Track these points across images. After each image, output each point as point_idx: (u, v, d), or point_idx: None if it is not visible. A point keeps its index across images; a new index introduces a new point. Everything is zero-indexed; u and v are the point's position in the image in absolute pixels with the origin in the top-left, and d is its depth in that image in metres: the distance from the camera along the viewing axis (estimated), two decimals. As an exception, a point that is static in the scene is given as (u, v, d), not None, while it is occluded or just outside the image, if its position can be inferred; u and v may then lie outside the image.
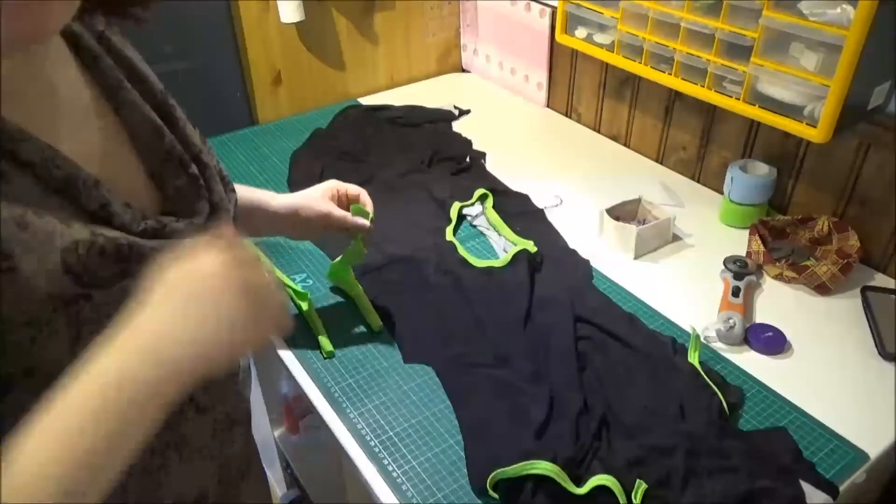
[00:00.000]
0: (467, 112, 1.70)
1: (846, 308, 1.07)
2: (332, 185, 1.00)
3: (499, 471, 0.78)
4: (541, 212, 1.30)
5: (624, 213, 1.25)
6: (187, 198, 0.65)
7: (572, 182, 1.41)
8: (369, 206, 1.02)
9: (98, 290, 0.52)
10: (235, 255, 0.54)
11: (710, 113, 1.33)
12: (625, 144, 1.55)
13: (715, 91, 1.15)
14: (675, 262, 1.18)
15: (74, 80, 0.60)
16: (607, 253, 1.20)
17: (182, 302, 0.51)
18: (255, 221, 0.93)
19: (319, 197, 0.98)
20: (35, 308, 0.49)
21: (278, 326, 0.58)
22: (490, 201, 1.30)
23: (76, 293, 0.51)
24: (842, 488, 0.81)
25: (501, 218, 1.26)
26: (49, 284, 0.49)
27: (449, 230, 1.23)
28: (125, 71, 0.64)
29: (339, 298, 1.11)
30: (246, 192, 0.91)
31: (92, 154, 0.58)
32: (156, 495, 0.64)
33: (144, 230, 0.57)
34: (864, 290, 1.09)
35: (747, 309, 1.06)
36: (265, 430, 1.65)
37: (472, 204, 1.30)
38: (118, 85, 0.63)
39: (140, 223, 0.57)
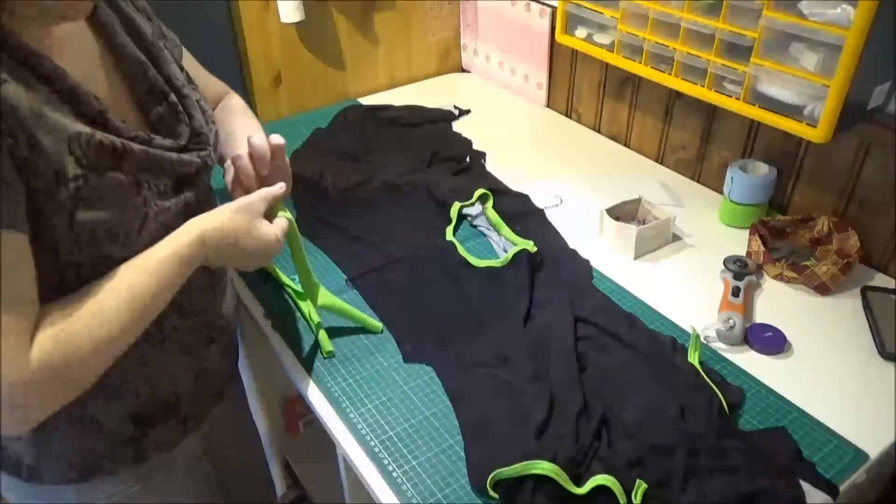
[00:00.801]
0: (467, 112, 1.70)
1: (846, 308, 1.07)
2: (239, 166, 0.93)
3: (499, 471, 0.78)
4: (541, 212, 1.30)
5: (624, 213, 1.25)
6: (168, 123, 0.80)
7: (572, 182, 1.41)
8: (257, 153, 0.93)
9: (93, 174, 0.67)
10: (279, 235, 0.84)
11: (710, 113, 1.33)
12: (625, 144, 1.55)
13: (715, 91, 1.15)
14: (675, 262, 1.19)
15: (81, 24, 0.74)
16: (607, 253, 1.20)
17: (239, 248, 0.79)
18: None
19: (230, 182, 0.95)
20: (48, 178, 0.63)
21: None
22: (490, 201, 1.30)
23: (76, 173, 0.65)
24: (842, 488, 0.81)
25: (501, 218, 1.26)
26: (57, 162, 0.64)
27: (449, 230, 1.23)
28: (121, 20, 0.79)
29: (339, 298, 1.10)
30: (224, 141, 0.98)
31: (94, 80, 0.73)
32: (128, 379, 0.80)
33: (134, 137, 0.72)
34: (864, 290, 1.09)
35: (747, 309, 1.06)
36: (265, 431, 1.65)
37: (472, 204, 1.30)
38: (112, 30, 0.77)
39: (131, 132, 0.72)
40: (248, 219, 0.81)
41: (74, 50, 0.72)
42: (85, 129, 0.67)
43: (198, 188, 0.82)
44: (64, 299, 0.67)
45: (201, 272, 0.82)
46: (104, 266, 0.70)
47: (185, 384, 0.87)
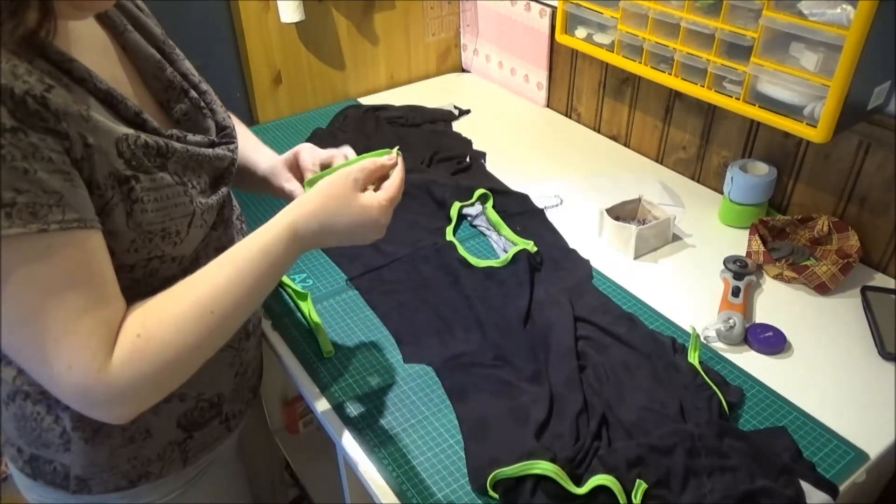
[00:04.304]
0: (467, 112, 1.70)
1: (846, 308, 1.07)
2: (296, 153, 0.94)
3: (498, 471, 0.78)
4: (541, 212, 1.30)
5: (624, 213, 1.25)
6: (193, 119, 0.79)
7: (572, 182, 1.41)
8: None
9: (143, 174, 0.66)
10: (388, 204, 0.76)
11: (710, 113, 1.33)
12: (625, 144, 1.55)
13: (715, 91, 1.15)
14: (675, 262, 1.19)
15: (91, 23, 0.72)
16: (607, 253, 1.20)
17: (341, 227, 0.74)
18: (244, 179, 0.96)
19: (283, 168, 0.93)
20: (102, 181, 0.63)
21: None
22: (490, 201, 1.30)
23: (127, 174, 0.65)
24: (842, 488, 0.81)
25: (501, 218, 1.26)
26: (108, 164, 0.63)
27: (449, 230, 1.23)
28: (127, 18, 0.77)
29: (339, 298, 1.11)
30: (242, 149, 0.93)
31: (117, 80, 0.71)
32: (183, 388, 0.76)
33: (171, 136, 0.71)
34: (864, 290, 1.09)
35: (747, 309, 1.06)
36: (265, 430, 1.64)
37: (472, 204, 1.30)
38: (123, 28, 0.75)
39: (168, 130, 0.71)
40: (341, 192, 0.74)
41: (94, 50, 0.70)
42: (129, 130, 0.66)
43: (228, 184, 0.81)
44: (148, 302, 0.65)
45: None
46: (155, 264, 0.69)
47: (226, 383, 0.87)
